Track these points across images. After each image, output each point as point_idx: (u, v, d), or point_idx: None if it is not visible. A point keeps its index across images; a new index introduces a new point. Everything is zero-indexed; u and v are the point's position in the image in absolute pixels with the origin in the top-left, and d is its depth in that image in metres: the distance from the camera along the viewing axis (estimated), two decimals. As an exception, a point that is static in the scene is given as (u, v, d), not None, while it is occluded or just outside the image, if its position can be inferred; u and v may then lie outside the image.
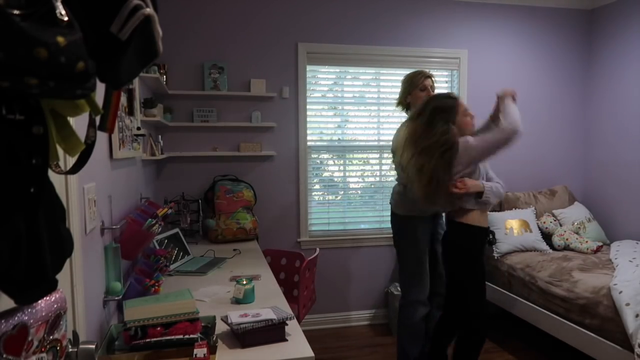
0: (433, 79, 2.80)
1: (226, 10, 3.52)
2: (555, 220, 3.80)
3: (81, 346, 0.93)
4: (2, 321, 0.69)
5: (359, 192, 3.99)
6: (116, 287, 1.75)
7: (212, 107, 3.52)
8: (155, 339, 1.46)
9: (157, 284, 1.94)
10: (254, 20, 3.57)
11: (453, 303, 2.60)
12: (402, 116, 3.94)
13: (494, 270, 3.57)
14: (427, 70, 2.81)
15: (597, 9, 4.10)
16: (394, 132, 3.91)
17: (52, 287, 0.74)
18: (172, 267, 2.56)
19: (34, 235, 0.68)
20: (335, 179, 3.94)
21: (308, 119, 3.73)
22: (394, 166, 2.83)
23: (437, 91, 2.78)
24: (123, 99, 2.11)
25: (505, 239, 3.57)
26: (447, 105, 2.41)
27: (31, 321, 0.74)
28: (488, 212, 2.59)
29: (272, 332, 1.61)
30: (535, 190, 4.02)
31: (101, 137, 1.68)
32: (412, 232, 2.69)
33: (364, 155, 3.97)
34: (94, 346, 0.95)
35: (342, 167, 3.93)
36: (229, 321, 1.63)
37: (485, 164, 2.53)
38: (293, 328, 1.68)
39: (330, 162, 3.94)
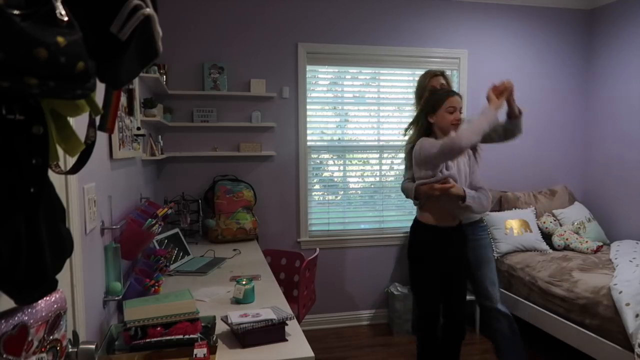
0: (446, 74, 2.67)
1: (226, 11, 3.52)
2: (555, 220, 3.80)
3: (81, 346, 0.93)
4: (2, 321, 0.69)
5: (359, 192, 3.99)
6: (116, 287, 1.75)
7: (212, 107, 3.52)
8: (155, 339, 1.46)
9: (157, 284, 1.94)
10: (254, 20, 3.57)
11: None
12: (402, 116, 3.97)
13: (494, 270, 3.57)
14: (436, 69, 2.70)
15: (597, 9, 4.10)
16: (394, 131, 3.94)
17: (52, 287, 0.74)
18: (172, 267, 2.56)
19: (34, 235, 0.67)
20: (335, 179, 3.94)
21: (308, 119, 3.73)
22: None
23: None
24: (123, 99, 2.11)
25: (505, 239, 3.57)
26: (433, 98, 2.38)
27: (31, 321, 0.74)
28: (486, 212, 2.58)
29: (272, 332, 1.61)
30: (535, 190, 4.02)
31: (101, 137, 1.68)
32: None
33: (364, 155, 3.97)
34: (94, 346, 0.95)
35: (342, 167, 3.93)
36: (229, 321, 1.63)
37: (474, 172, 2.44)
38: (293, 328, 1.68)
39: (330, 162, 3.93)
